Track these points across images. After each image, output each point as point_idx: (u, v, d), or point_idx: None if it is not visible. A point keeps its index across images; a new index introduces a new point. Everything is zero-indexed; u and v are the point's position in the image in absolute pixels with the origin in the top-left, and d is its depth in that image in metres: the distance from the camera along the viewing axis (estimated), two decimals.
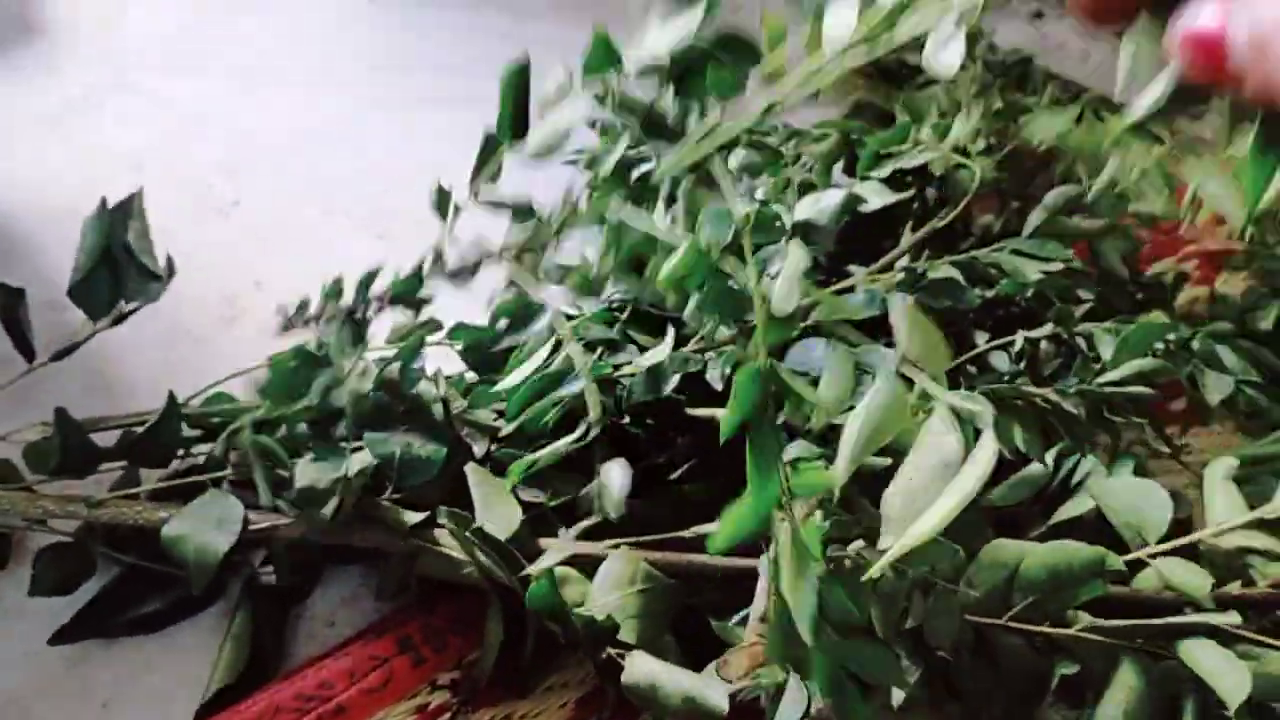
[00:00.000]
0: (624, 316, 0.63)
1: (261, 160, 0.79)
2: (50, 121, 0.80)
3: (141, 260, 0.56)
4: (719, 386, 0.57)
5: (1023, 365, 0.59)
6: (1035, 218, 0.66)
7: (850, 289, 0.62)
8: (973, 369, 0.60)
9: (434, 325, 0.63)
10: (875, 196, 0.67)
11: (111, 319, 0.56)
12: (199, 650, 0.53)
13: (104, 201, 0.55)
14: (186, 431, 0.56)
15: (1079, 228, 0.66)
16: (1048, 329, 0.60)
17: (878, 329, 0.61)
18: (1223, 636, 0.46)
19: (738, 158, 0.68)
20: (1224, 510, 0.50)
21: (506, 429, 0.56)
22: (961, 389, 0.54)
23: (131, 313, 0.56)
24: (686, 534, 0.53)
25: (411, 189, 0.78)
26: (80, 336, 0.56)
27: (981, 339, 0.61)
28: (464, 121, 0.82)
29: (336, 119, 0.83)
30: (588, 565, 0.52)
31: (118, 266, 0.55)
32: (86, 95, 0.82)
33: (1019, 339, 0.59)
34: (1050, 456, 0.53)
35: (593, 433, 0.55)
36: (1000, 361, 0.60)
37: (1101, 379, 0.56)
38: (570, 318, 0.66)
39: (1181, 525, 0.51)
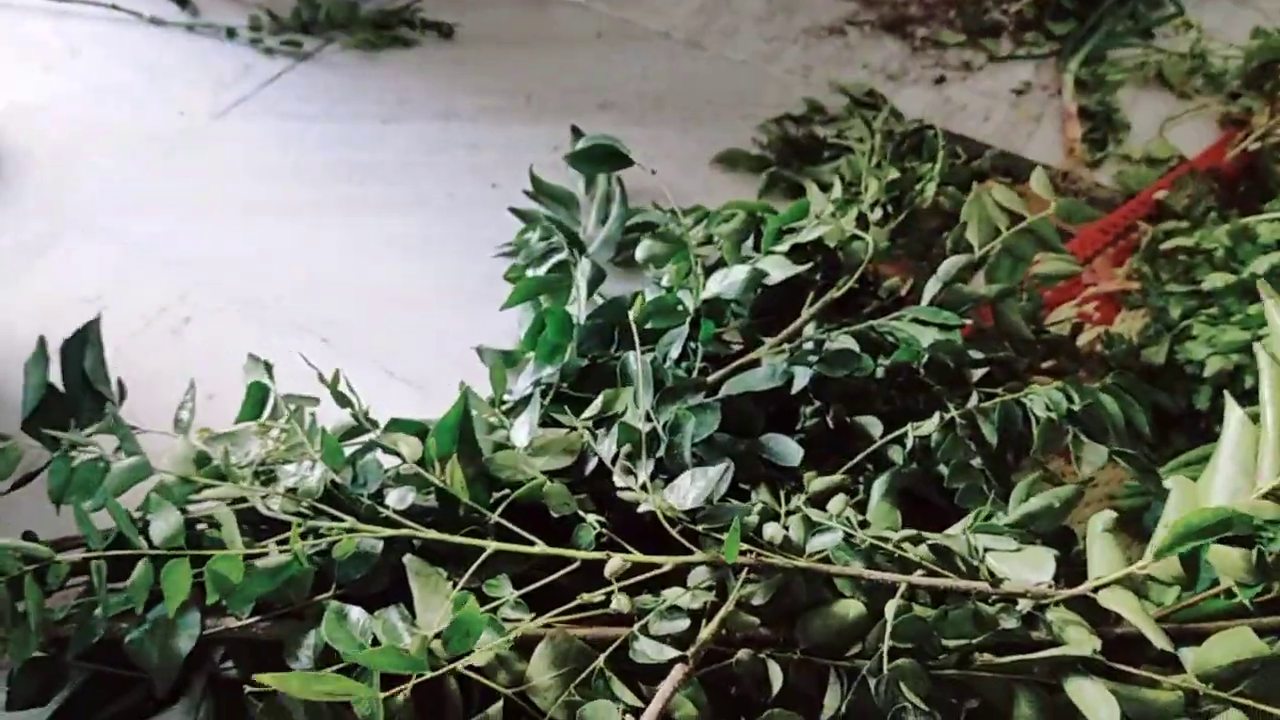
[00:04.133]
0: (547, 401, 0.67)
1: (210, 280, 0.84)
2: (8, 262, 0.85)
3: (97, 388, 0.61)
4: None
5: (913, 459, 0.63)
6: (931, 287, 0.70)
7: (756, 362, 0.67)
8: (870, 466, 0.64)
9: (371, 423, 0.67)
10: (777, 269, 0.71)
11: (65, 449, 0.60)
12: None
13: (41, 341, 0.61)
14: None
15: (975, 294, 0.69)
16: (935, 422, 0.63)
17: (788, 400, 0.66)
18: (1103, 670, 0.51)
19: (644, 249, 0.73)
20: (1100, 564, 0.54)
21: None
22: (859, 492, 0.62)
23: (88, 441, 0.60)
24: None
25: (355, 293, 0.83)
26: (37, 465, 0.60)
27: (876, 430, 0.65)
28: (412, 226, 0.88)
29: (286, 236, 0.88)
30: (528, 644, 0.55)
31: (65, 398, 0.60)
32: (41, 236, 0.87)
33: (909, 433, 0.63)
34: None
35: None
36: (896, 454, 0.64)
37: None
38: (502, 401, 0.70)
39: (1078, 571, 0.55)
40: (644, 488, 0.59)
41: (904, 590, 0.54)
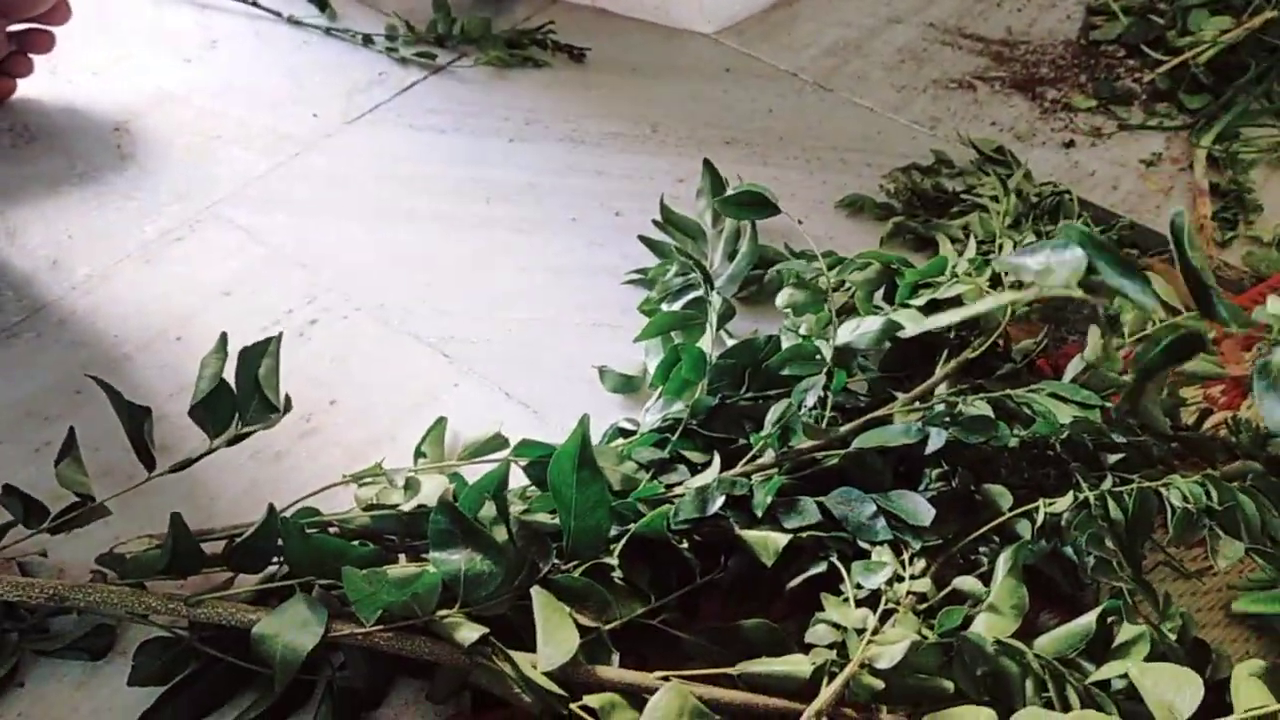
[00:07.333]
0: (675, 437, 0.67)
1: (336, 285, 0.84)
2: (145, 249, 0.87)
3: (266, 394, 0.63)
4: (759, 513, 0.61)
5: (1042, 536, 0.62)
6: (1074, 366, 0.69)
7: (888, 417, 0.66)
8: (996, 538, 0.62)
9: (500, 442, 0.68)
10: (912, 323, 0.71)
11: (228, 439, 0.63)
12: None
13: (223, 336, 0.63)
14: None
15: (1118, 380, 0.68)
16: (1069, 500, 0.62)
17: (913, 458, 0.65)
18: None
19: (785, 297, 0.73)
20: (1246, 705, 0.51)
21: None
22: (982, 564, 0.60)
23: (247, 435, 0.63)
24: (733, 670, 0.56)
25: (476, 309, 0.83)
26: (196, 454, 0.63)
27: (1006, 501, 0.63)
28: (536, 247, 0.88)
29: (411, 245, 0.88)
30: (637, 693, 0.54)
31: (234, 395, 0.62)
32: (177, 225, 0.89)
33: (1041, 508, 0.62)
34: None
35: None
36: (1023, 528, 0.62)
37: None
38: (626, 433, 0.70)
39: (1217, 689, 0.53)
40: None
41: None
